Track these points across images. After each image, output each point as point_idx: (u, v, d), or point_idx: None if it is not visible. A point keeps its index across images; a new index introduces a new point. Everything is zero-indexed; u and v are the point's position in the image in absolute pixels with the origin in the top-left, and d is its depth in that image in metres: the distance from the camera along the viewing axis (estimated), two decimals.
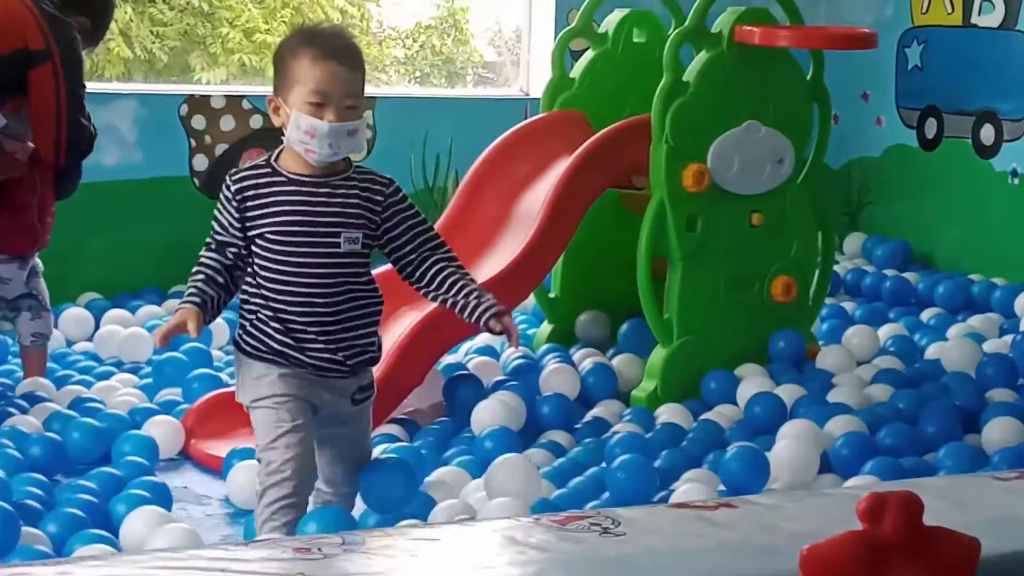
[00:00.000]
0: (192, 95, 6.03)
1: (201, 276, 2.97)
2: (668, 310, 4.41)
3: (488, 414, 3.93)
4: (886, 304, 5.69)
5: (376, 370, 3.92)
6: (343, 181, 2.97)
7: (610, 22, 4.96)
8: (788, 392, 4.17)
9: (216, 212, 3.02)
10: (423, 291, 3.06)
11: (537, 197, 4.48)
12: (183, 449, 3.96)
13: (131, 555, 2.36)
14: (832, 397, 4.16)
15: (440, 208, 4.91)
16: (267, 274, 2.95)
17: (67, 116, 4.04)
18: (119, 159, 5.81)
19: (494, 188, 4.62)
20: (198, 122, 5.98)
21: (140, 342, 4.79)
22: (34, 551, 2.92)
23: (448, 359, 4.49)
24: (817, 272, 4.69)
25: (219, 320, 5.00)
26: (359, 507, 3.23)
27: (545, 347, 4.71)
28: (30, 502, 3.23)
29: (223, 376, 4.42)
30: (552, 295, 4.93)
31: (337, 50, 2.93)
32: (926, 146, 6.63)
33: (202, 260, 3.00)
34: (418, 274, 3.03)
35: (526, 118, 5.05)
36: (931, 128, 6.59)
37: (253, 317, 2.99)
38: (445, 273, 3.01)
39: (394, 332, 4.06)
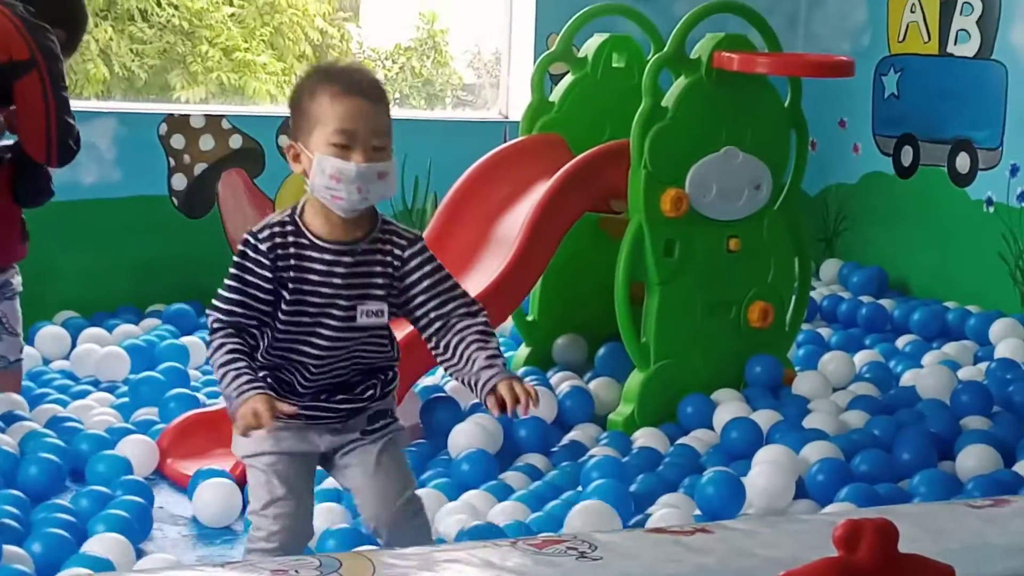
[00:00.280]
0: (171, 114, 6.03)
1: (243, 362, 2.64)
2: (645, 334, 4.43)
3: (465, 437, 3.93)
4: (862, 330, 5.71)
5: None
6: (369, 247, 2.72)
7: (590, 46, 4.98)
8: (764, 417, 4.18)
9: (237, 273, 2.70)
10: (441, 362, 2.79)
11: (516, 220, 4.49)
12: (158, 468, 3.95)
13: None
14: (808, 423, 4.18)
15: (419, 230, 4.91)
16: (271, 332, 2.73)
17: (55, 114, 4.03)
18: (97, 177, 5.80)
19: (473, 211, 4.64)
20: (177, 141, 5.98)
21: (117, 361, 4.78)
22: (16, 571, 2.91)
23: (425, 381, 4.49)
24: (794, 298, 4.71)
25: (196, 339, 5.06)
26: (319, 527, 3.23)
27: (522, 370, 4.72)
28: (8, 521, 3.22)
29: (200, 396, 4.41)
30: (530, 318, 4.94)
31: (359, 85, 2.69)
32: (902, 174, 6.67)
33: (229, 341, 2.66)
34: (435, 341, 2.77)
35: (505, 141, 5.07)
36: (907, 156, 6.64)
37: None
38: (463, 345, 2.72)
39: None
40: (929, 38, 6.52)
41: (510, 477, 3.76)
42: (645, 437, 4.13)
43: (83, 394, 4.52)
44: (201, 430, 4.03)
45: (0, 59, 3.99)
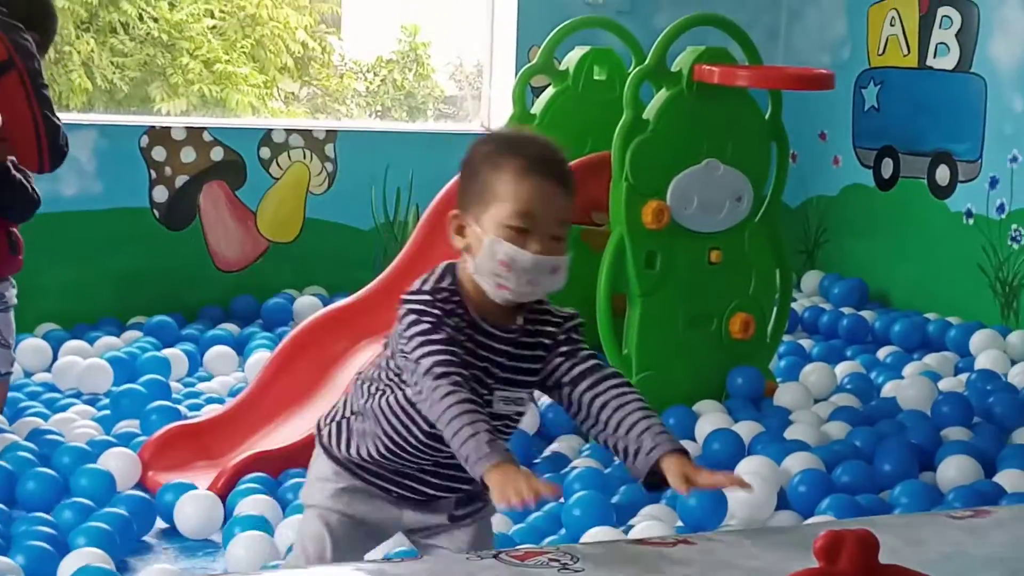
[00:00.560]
0: (153, 126, 6.03)
1: (483, 419, 2.26)
2: (627, 346, 4.44)
3: None
4: (843, 342, 5.73)
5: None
6: (524, 331, 2.41)
7: (571, 59, 5.00)
8: (746, 429, 4.19)
9: (431, 323, 2.33)
10: (588, 430, 2.47)
11: None
12: (140, 481, 3.94)
13: None
14: (789, 434, 4.19)
15: (401, 242, 4.92)
16: (398, 401, 2.40)
17: (42, 116, 3.99)
18: (79, 190, 5.79)
19: None
20: (158, 153, 5.98)
21: (98, 373, 4.77)
22: None
23: None
24: (775, 309, 4.73)
25: (178, 352, 5.05)
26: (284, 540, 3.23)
27: None
28: None
29: (181, 408, 4.41)
30: None
31: (548, 163, 2.37)
32: (882, 186, 6.70)
33: (459, 390, 2.28)
34: (583, 412, 2.44)
35: None
36: (887, 168, 6.67)
37: (354, 418, 2.47)
38: (614, 410, 2.40)
39: (351, 368, 4.07)
40: (909, 51, 6.55)
41: None
42: None
43: (65, 407, 4.51)
44: (183, 442, 4.03)
45: None
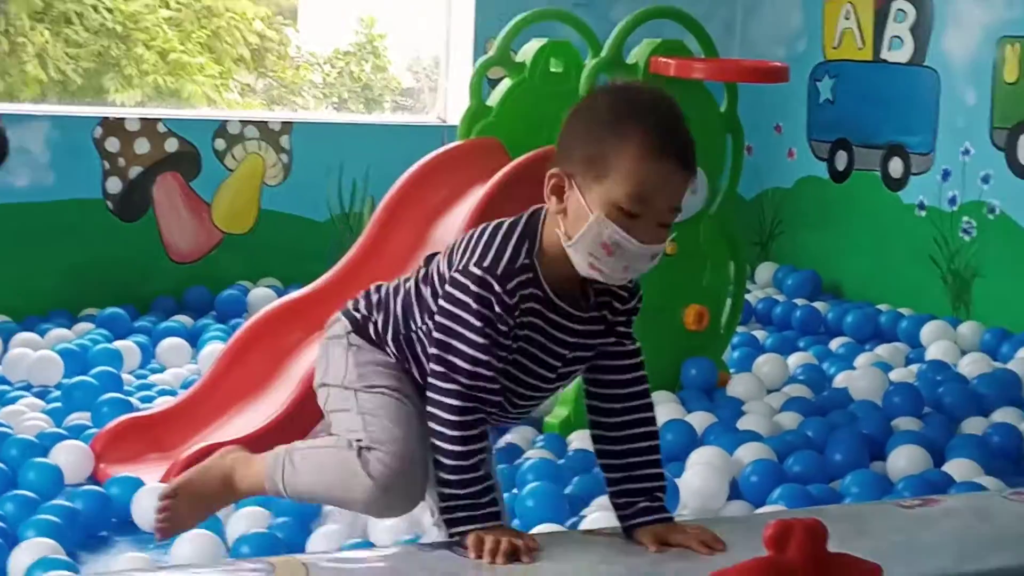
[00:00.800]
0: (106, 117, 5.99)
1: (487, 477, 2.22)
2: None
3: None
4: (796, 333, 5.77)
5: (282, 404, 3.93)
6: (594, 306, 2.31)
7: (528, 51, 5.00)
8: (699, 419, 4.21)
9: (482, 326, 2.18)
10: (588, 417, 2.38)
11: (453, 223, 4.49)
12: (92, 475, 3.91)
13: None
14: (742, 424, 4.21)
15: (356, 234, 4.91)
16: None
17: None
18: (31, 181, 5.75)
19: (410, 214, 4.64)
20: (112, 144, 5.94)
21: (49, 365, 4.73)
22: None
23: None
24: (729, 301, 4.75)
25: (130, 343, 5.03)
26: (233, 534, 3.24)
27: None
28: None
29: (134, 401, 4.38)
30: None
31: (679, 145, 2.20)
32: (836, 178, 6.74)
33: (473, 436, 2.19)
34: (595, 403, 2.37)
35: (443, 145, 5.07)
36: (841, 160, 6.71)
37: (414, 336, 2.32)
38: (628, 442, 2.35)
39: (303, 362, 4.06)
40: (863, 44, 6.59)
41: None
42: (581, 439, 4.15)
43: (14, 399, 4.48)
44: (135, 435, 4.00)
45: None
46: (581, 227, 2.17)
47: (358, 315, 2.40)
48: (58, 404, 4.42)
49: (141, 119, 6.03)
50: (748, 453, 3.89)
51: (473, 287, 2.19)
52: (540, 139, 4.77)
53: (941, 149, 6.19)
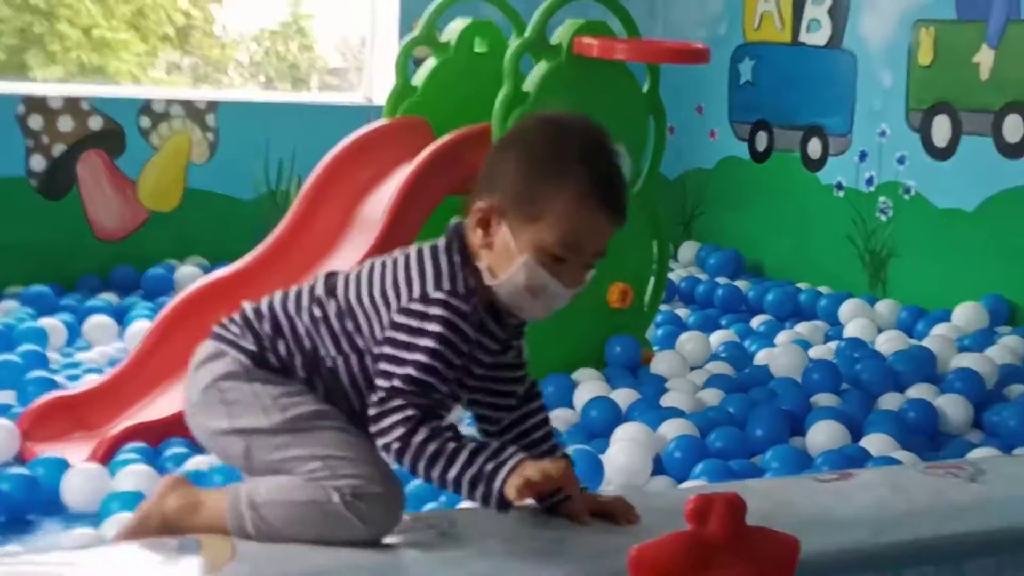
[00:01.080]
0: (29, 95, 5.94)
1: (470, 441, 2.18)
2: None
3: None
4: (718, 311, 5.85)
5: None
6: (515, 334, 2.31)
7: (452, 31, 5.03)
8: (623, 396, 4.27)
9: (445, 342, 2.13)
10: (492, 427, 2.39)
11: (379, 202, 4.52)
12: (18, 453, 3.90)
13: None
14: (665, 401, 4.28)
15: (282, 212, 4.92)
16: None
17: None
18: None
19: (337, 193, 4.66)
20: (35, 122, 5.89)
21: None
22: None
23: None
24: (652, 279, 4.81)
25: (55, 321, 5.00)
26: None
27: None
28: None
29: (59, 379, 4.37)
30: None
31: (616, 194, 2.18)
32: (757, 158, 6.83)
33: (436, 424, 2.14)
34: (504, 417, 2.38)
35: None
36: (762, 141, 6.80)
37: (329, 363, 2.21)
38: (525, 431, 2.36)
39: None
40: (782, 27, 6.68)
41: None
42: None
43: None
44: (60, 413, 4.00)
45: None
46: (507, 268, 2.14)
47: (250, 345, 2.21)
48: None
49: (65, 97, 5.99)
50: (671, 429, 3.95)
51: (437, 311, 2.12)
52: (465, 118, 4.81)
53: (858, 131, 6.29)
